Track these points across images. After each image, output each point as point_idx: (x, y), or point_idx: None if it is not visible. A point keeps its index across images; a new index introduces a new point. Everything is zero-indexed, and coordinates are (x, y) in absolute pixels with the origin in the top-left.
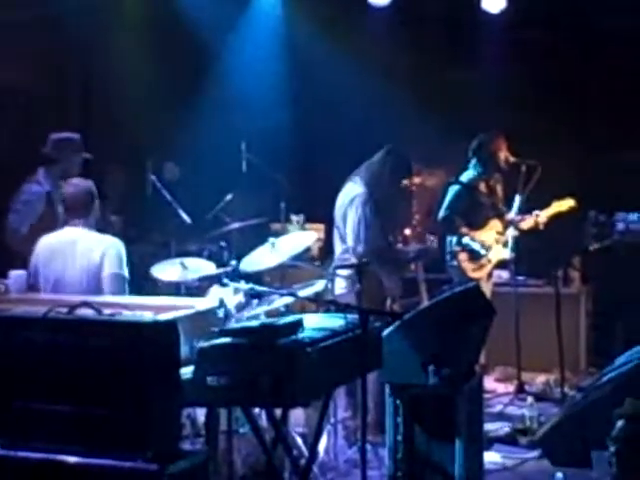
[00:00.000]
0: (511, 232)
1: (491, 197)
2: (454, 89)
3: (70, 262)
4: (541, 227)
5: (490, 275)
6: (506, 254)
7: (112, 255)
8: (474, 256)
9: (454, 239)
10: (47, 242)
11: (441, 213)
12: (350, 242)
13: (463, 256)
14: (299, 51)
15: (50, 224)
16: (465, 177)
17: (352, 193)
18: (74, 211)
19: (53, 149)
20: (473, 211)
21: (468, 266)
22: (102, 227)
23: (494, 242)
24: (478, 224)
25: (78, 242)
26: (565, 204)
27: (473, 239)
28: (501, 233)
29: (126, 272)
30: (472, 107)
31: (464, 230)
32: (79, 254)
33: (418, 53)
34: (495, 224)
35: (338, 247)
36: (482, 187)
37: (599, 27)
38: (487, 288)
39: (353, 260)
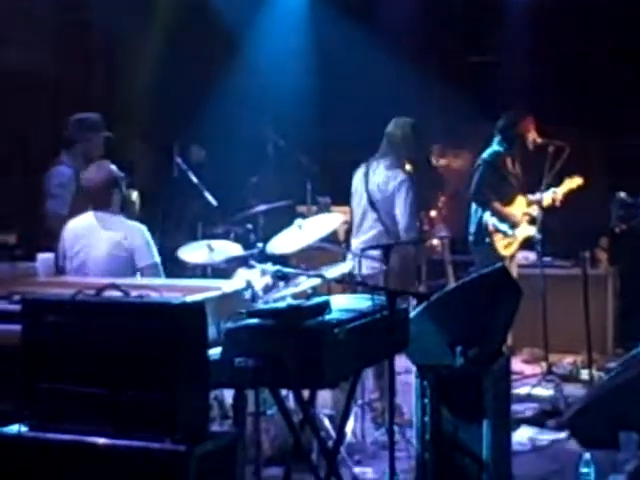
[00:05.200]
0: (535, 210)
1: (515, 173)
2: (479, 71)
3: (94, 246)
4: (557, 204)
5: (514, 256)
6: (532, 231)
7: (141, 245)
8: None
9: (486, 216)
10: (72, 226)
11: (472, 188)
12: (402, 226)
13: (495, 232)
14: (324, 36)
15: (84, 203)
16: (489, 153)
17: (399, 178)
18: (94, 201)
19: (73, 130)
20: (501, 185)
21: (500, 243)
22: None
23: (521, 218)
24: (506, 198)
25: (102, 227)
26: (575, 182)
27: (502, 219)
28: (527, 212)
29: (157, 257)
30: (497, 89)
31: (496, 205)
32: (103, 239)
33: (443, 36)
34: (520, 201)
35: (372, 228)
36: (508, 162)
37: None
38: (513, 269)
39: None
